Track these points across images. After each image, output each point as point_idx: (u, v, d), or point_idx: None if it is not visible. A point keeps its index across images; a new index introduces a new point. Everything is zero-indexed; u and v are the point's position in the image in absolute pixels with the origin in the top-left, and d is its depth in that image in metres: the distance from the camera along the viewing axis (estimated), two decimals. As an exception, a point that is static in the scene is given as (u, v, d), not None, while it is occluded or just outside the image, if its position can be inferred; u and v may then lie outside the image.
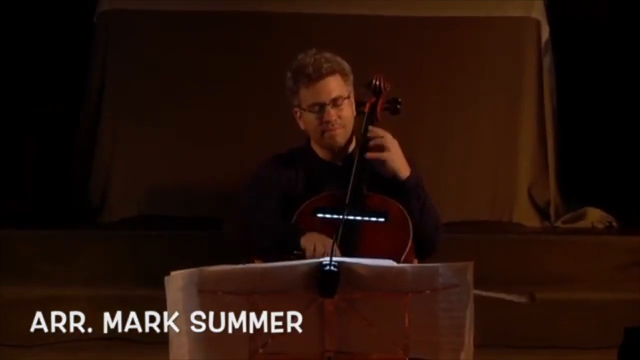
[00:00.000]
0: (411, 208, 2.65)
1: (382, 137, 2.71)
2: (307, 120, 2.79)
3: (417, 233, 2.63)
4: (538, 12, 4.42)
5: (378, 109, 2.84)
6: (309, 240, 2.54)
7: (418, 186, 2.71)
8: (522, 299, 2.22)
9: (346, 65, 2.80)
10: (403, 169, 2.69)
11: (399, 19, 4.39)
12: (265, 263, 2.30)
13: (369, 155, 2.68)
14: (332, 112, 2.73)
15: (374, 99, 2.85)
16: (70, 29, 4.51)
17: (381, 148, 2.69)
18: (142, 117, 4.37)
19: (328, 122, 2.74)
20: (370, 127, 2.74)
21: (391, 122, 2.93)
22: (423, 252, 2.69)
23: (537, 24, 4.41)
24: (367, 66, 2.90)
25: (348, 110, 2.77)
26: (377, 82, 2.88)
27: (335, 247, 2.31)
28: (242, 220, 2.70)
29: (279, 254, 2.51)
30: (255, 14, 4.42)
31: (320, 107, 2.74)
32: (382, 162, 2.68)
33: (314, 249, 2.51)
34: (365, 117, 2.80)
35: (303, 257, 2.50)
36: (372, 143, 2.70)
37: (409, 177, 2.69)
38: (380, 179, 2.72)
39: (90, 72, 4.42)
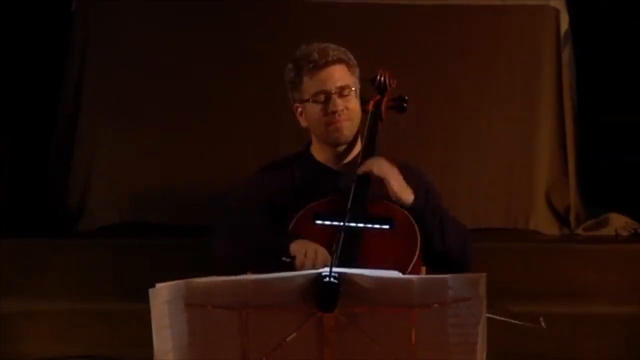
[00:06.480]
0: (429, 234, 2.66)
1: (373, 168, 2.67)
2: (310, 114, 2.78)
3: (443, 257, 2.68)
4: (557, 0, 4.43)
5: (383, 107, 2.85)
6: (299, 246, 2.55)
7: (427, 206, 2.70)
8: (535, 324, 2.19)
9: (352, 58, 2.81)
10: (405, 194, 2.67)
11: (404, 7, 4.39)
12: (259, 274, 2.29)
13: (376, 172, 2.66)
14: (338, 102, 2.73)
15: (378, 97, 2.87)
16: (48, 17, 4.50)
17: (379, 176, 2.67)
18: (124, 115, 4.36)
19: (334, 112, 2.73)
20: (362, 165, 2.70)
21: (397, 121, 2.93)
22: (455, 272, 2.69)
23: (556, 12, 4.41)
24: (369, 60, 2.90)
25: (355, 103, 2.78)
26: (382, 79, 2.88)
27: (335, 255, 2.30)
28: (230, 237, 2.72)
29: (270, 264, 2.50)
30: (249, 3, 4.43)
31: (326, 97, 2.74)
32: (383, 183, 2.67)
33: (305, 255, 2.52)
34: (370, 116, 2.82)
35: (293, 264, 2.50)
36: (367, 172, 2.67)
37: (414, 202, 2.68)
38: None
39: (68, 64, 4.42)
